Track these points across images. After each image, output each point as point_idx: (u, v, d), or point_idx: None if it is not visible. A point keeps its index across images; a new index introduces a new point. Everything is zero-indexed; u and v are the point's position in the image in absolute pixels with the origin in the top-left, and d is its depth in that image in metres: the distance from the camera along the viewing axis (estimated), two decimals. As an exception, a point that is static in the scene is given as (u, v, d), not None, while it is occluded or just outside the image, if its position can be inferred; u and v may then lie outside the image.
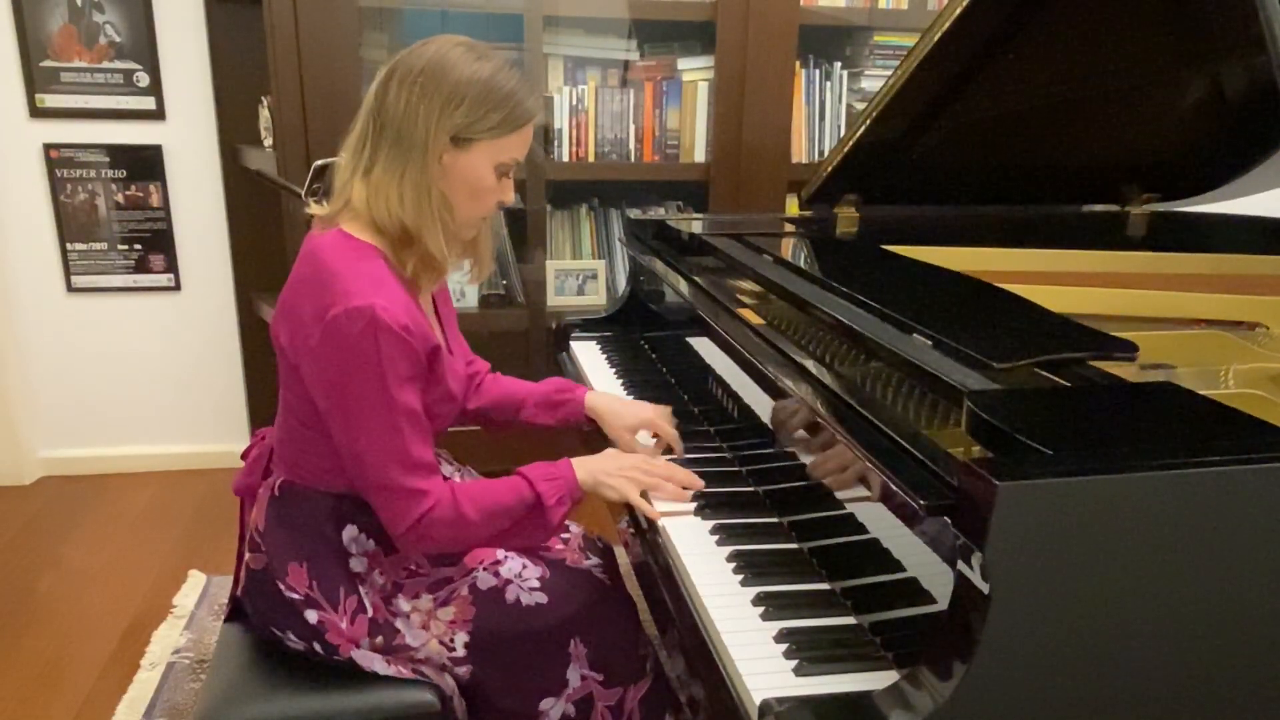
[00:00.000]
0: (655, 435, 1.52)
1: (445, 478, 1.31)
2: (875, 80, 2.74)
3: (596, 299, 2.80)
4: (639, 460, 1.38)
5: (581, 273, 2.82)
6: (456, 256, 1.36)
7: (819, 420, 1.14)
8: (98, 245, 2.83)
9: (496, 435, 1.66)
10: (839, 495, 1.13)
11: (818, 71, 2.76)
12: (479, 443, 1.80)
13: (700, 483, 1.35)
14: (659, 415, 1.53)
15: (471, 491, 1.28)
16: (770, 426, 1.33)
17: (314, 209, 1.35)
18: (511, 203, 1.37)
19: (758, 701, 0.91)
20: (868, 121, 1.84)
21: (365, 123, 1.27)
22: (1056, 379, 1.05)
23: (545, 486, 1.30)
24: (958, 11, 1.63)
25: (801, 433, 1.23)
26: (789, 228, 2.19)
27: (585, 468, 1.34)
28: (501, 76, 1.25)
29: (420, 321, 1.26)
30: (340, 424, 1.23)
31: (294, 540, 1.32)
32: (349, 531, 1.33)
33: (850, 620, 1.06)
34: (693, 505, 1.31)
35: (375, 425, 1.21)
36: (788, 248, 1.91)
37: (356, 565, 1.33)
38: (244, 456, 1.48)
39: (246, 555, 1.37)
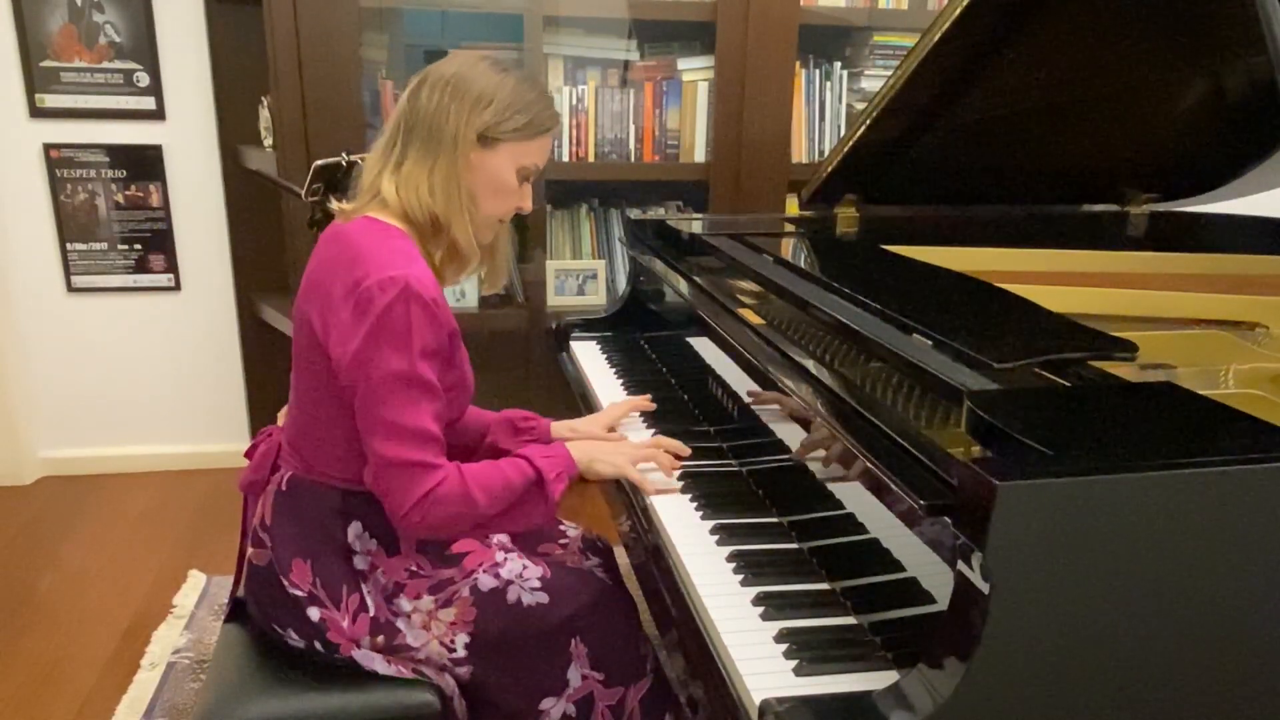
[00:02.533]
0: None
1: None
2: (875, 80, 2.74)
3: (596, 299, 2.80)
4: (629, 443, 1.46)
5: (581, 273, 2.82)
6: (476, 260, 1.38)
7: (819, 420, 1.14)
8: (98, 245, 2.83)
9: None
10: (839, 495, 1.13)
11: (818, 71, 2.76)
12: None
13: (687, 450, 1.44)
14: (624, 403, 1.63)
15: (475, 471, 1.29)
16: (764, 418, 1.33)
17: (337, 205, 1.38)
18: (530, 210, 1.41)
19: (758, 701, 0.91)
20: (868, 121, 1.84)
21: (396, 125, 1.33)
22: (1056, 379, 1.05)
23: (544, 463, 1.32)
24: (957, 12, 1.63)
25: (800, 430, 1.23)
26: (789, 228, 2.19)
27: (579, 447, 1.39)
28: (525, 86, 1.33)
29: (445, 299, 1.28)
30: (362, 393, 1.24)
31: (299, 535, 1.33)
32: (354, 529, 1.33)
33: (850, 620, 1.06)
34: (680, 484, 1.38)
35: (394, 395, 1.23)
36: (788, 248, 1.91)
37: (360, 563, 1.33)
38: (248, 455, 1.48)
39: (249, 551, 1.37)
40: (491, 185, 1.33)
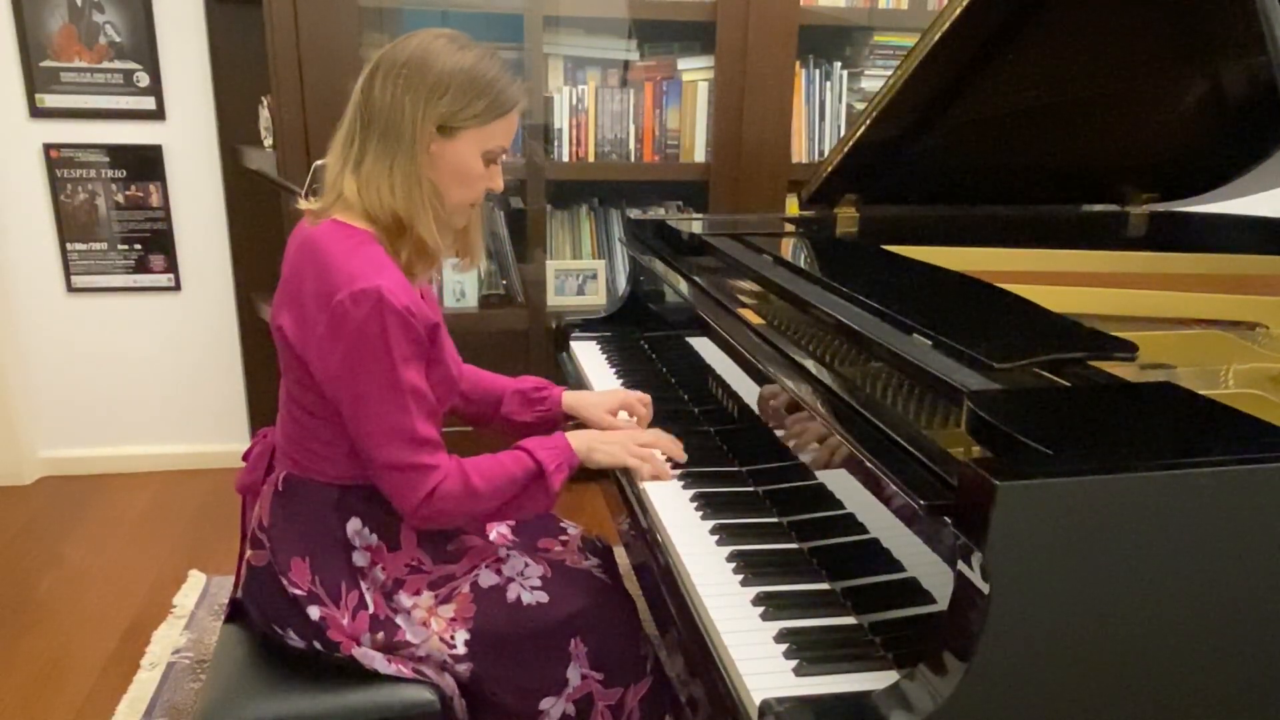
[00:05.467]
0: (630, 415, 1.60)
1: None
2: (875, 80, 2.75)
3: (596, 299, 2.80)
4: (628, 432, 1.47)
5: (581, 273, 2.82)
6: (449, 247, 1.38)
7: (815, 416, 1.14)
8: (98, 245, 2.83)
9: (482, 432, 1.68)
10: (839, 495, 1.13)
11: (818, 71, 2.76)
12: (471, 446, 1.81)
13: (683, 456, 1.43)
14: (634, 396, 1.60)
15: (477, 465, 1.31)
16: (763, 416, 1.33)
17: (304, 204, 1.36)
18: (501, 190, 1.40)
19: (758, 701, 0.91)
20: (868, 121, 1.84)
21: (352, 118, 1.30)
22: (1056, 379, 1.05)
23: (544, 454, 1.34)
24: (958, 11, 1.63)
25: (797, 426, 1.23)
26: (789, 228, 2.19)
27: (578, 437, 1.41)
28: (483, 65, 1.28)
29: (419, 301, 1.28)
30: (349, 406, 1.25)
31: (298, 534, 1.33)
32: (353, 525, 1.34)
33: (850, 620, 1.06)
34: (677, 473, 1.41)
35: (382, 405, 1.23)
36: (788, 248, 1.91)
37: (359, 559, 1.33)
38: (245, 457, 1.48)
39: (248, 553, 1.37)
40: (456, 174, 1.31)
